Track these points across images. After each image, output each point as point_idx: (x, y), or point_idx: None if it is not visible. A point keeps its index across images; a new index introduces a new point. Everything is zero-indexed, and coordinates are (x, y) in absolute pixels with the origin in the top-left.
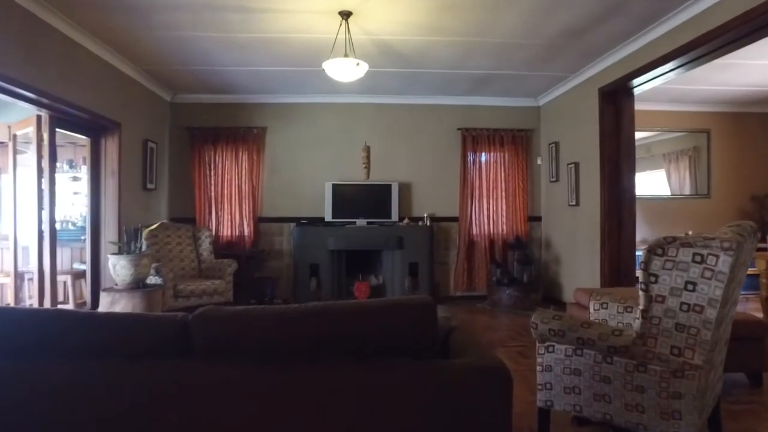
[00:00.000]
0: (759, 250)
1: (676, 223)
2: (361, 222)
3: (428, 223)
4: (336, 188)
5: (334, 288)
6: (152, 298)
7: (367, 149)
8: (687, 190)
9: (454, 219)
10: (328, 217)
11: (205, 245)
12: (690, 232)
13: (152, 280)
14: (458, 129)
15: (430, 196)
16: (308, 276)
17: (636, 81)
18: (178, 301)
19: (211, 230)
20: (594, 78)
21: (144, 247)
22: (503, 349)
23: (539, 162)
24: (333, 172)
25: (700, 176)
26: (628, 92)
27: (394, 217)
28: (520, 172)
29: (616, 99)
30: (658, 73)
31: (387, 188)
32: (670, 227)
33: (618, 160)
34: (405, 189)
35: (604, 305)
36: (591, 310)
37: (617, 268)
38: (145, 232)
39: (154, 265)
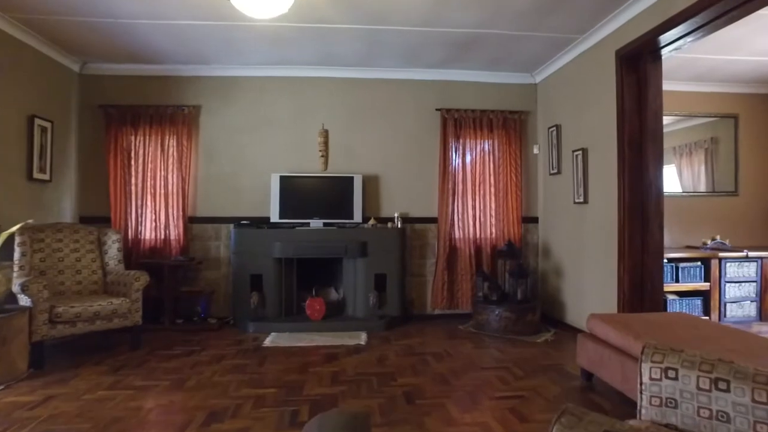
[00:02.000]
0: None
1: (700, 225)
2: (315, 223)
3: (399, 225)
4: (285, 181)
5: (281, 305)
6: (5, 328)
7: (325, 134)
8: (702, 188)
9: (432, 220)
10: (275, 218)
11: (113, 252)
12: (718, 237)
13: (25, 300)
14: (437, 110)
15: (401, 192)
16: (249, 290)
17: (666, 36)
18: (58, 329)
19: (120, 232)
20: (610, 38)
21: (18, 255)
22: (491, 402)
23: (536, 151)
24: (282, 162)
25: (722, 171)
26: (655, 55)
27: (357, 217)
28: (513, 162)
29: (638, 65)
30: (698, 24)
31: (348, 182)
32: (693, 230)
33: (641, 143)
34: (371, 183)
35: (671, 373)
36: (645, 378)
37: (640, 283)
38: (3, 236)
39: (19, 280)
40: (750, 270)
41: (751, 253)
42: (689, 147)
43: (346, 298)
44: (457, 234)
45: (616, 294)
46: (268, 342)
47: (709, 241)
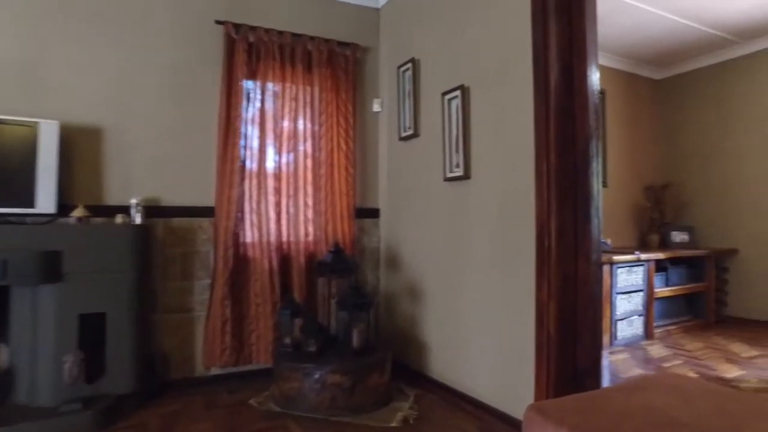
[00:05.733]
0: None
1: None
2: None
3: (140, 220)
4: None
5: None
6: None
7: None
8: None
9: (205, 212)
10: None
11: None
12: None
13: None
14: (218, 23)
15: (147, 161)
16: None
17: None
18: None
19: None
20: None
21: None
22: None
23: (377, 107)
24: None
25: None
26: None
27: (46, 204)
28: (343, 122)
29: None
30: None
31: (27, 136)
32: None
33: (572, 65)
34: (83, 140)
35: None
36: None
37: (572, 312)
38: None
39: None
40: (638, 277)
41: (642, 255)
42: None
43: (16, 364)
44: (250, 235)
45: (532, 332)
46: None
47: None
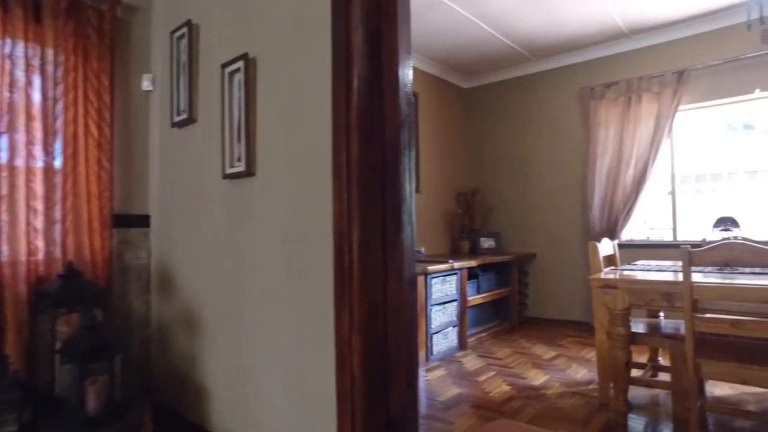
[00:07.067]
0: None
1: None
2: None
3: None
4: None
5: None
6: None
7: None
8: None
9: None
10: None
11: None
12: None
13: None
14: None
15: None
16: None
17: None
18: None
19: None
20: None
21: None
22: None
23: (147, 85)
24: None
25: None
26: None
27: None
28: (94, 101)
29: None
30: None
31: None
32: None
33: (381, 32)
34: None
35: None
36: None
37: (383, 346)
38: None
39: None
40: (452, 286)
41: (456, 264)
42: None
43: None
44: None
45: (332, 372)
46: None
47: None
